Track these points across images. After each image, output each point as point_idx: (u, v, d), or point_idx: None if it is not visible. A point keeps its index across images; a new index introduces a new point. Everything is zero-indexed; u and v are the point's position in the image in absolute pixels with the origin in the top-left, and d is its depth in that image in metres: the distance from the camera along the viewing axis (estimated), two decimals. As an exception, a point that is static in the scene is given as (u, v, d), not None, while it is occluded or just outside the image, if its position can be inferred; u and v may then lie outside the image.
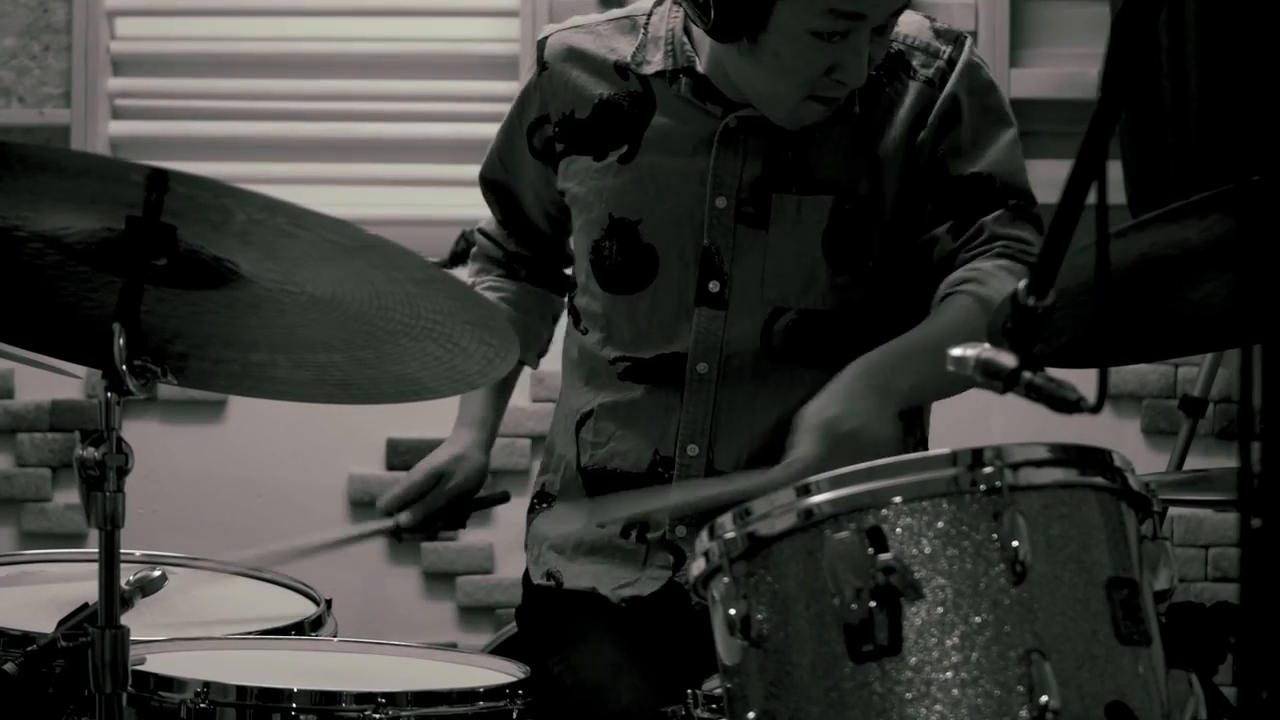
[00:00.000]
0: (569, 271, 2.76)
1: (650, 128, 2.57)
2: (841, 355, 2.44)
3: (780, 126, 2.50)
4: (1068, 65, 4.16)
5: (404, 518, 2.74)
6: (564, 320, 2.76)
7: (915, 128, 2.51)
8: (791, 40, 2.38)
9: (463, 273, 2.87)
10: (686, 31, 2.56)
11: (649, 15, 2.61)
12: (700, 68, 2.54)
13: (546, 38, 2.67)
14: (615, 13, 2.65)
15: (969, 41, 2.55)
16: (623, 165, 2.57)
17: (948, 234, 2.49)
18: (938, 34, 2.54)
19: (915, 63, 2.52)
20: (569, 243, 2.73)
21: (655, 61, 2.57)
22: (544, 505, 2.70)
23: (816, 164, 2.51)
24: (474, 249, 2.87)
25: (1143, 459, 3.98)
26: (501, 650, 2.77)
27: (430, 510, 2.74)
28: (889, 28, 2.42)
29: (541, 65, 2.65)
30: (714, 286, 2.53)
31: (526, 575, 2.71)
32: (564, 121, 2.62)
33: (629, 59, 2.59)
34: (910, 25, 2.54)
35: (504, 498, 2.82)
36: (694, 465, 2.53)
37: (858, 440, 2.30)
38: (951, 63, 2.52)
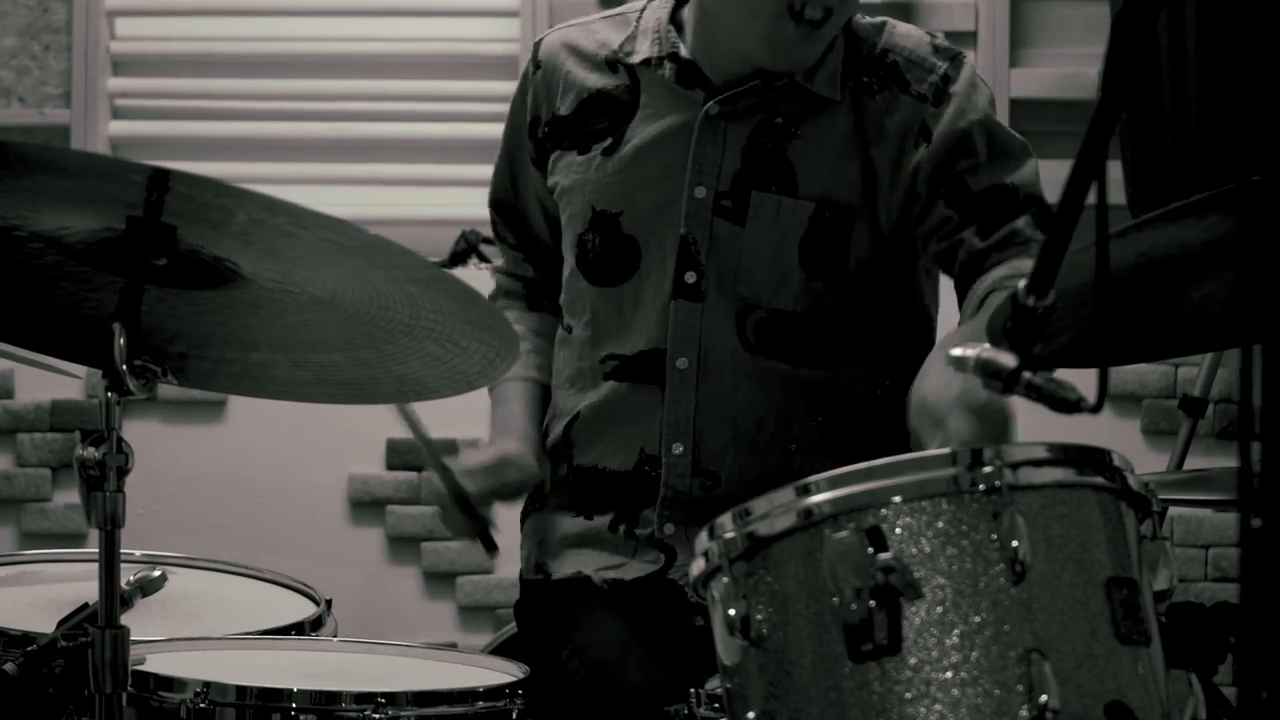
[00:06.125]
0: None
1: (634, 119, 2.59)
2: (816, 353, 2.50)
3: (760, 113, 2.52)
4: (1068, 65, 4.16)
5: (472, 484, 2.58)
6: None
7: (908, 142, 2.52)
8: None
9: (463, 273, 2.86)
10: (673, 21, 2.60)
11: (641, 11, 2.65)
12: (684, 53, 2.57)
13: (542, 39, 2.71)
14: (610, 11, 2.70)
15: (968, 61, 2.56)
16: (605, 158, 2.60)
17: (974, 235, 2.50)
18: (936, 50, 2.56)
19: (910, 77, 2.54)
20: None
21: (642, 50, 2.61)
22: (537, 506, 2.70)
23: (799, 166, 2.52)
24: (492, 290, 2.83)
25: (1143, 459, 3.98)
26: (501, 650, 2.77)
27: (490, 489, 2.60)
28: None
29: (536, 64, 2.68)
30: (690, 278, 2.54)
31: (521, 573, 2.71)
32: (553, 121, 2.65)
33: (615, 50, 2.62)
34: (910, 39, 2.57)
35: (493, 547, 2.71)
36: (680, 464, 2.54)
37: (990, 409, 2.04)
38: (947, 79, 2.53)
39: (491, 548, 2.63)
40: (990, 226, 2.50)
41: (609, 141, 2.60)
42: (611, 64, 2.63)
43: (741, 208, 2.52)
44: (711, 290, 2.53)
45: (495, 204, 2.80)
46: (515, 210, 2.77)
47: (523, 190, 2.74)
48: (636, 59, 2.61)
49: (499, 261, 2.85)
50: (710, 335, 2.53)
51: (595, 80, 2.63)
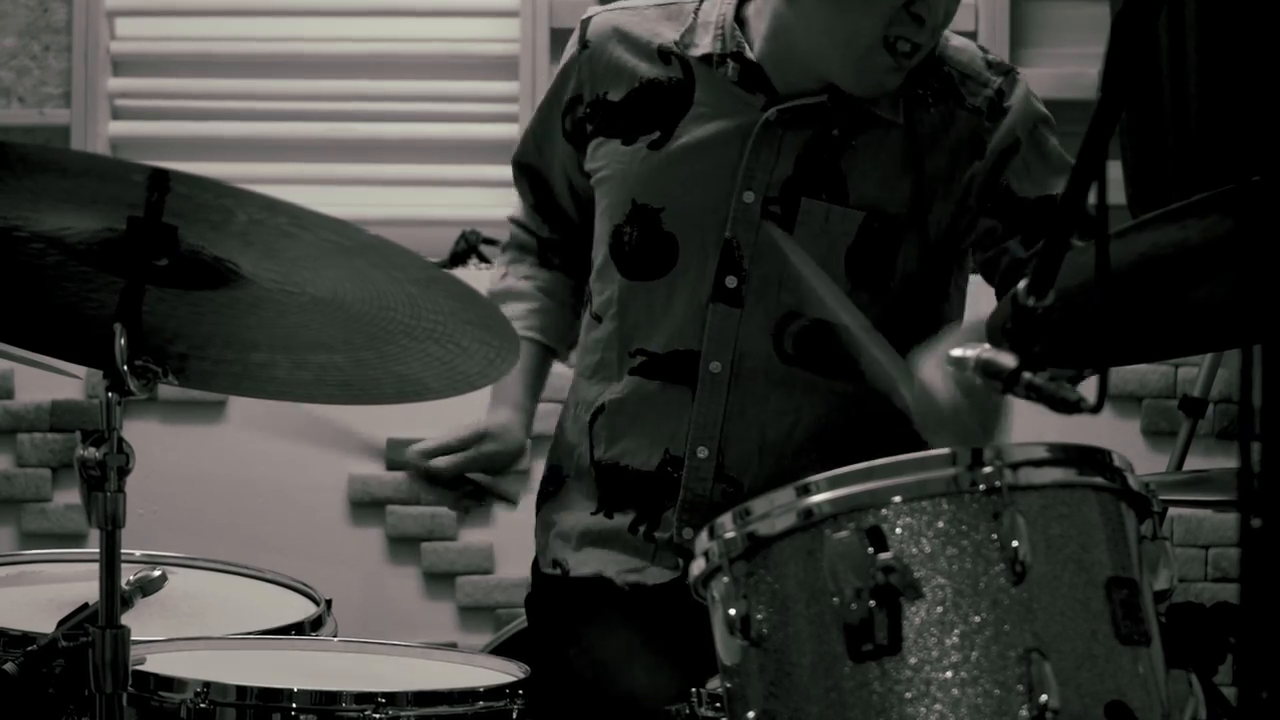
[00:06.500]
0: None
1: (686, 116, 2.56)
2: (852, 365, 2.45)
3: (818, 124, 2.50)
4: (1068, 65, 4.16)
5: (440, 462, 2.63)
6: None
7: (963, 156, 2.51)
8: None
9: (463, 273, 2.86)
10: (739, 20, 2.56)
11: (700, 2, 2.61)
12: (751, 54, 2.53)
13: (590, 17, 2.66)
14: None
15: (1021, 76, 2.56)
16: (652, 151, 2.56)
17: (1019, 244, 2.50)
18: (989, 65, 2.55)
19: (965, 91, 2.52)
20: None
21: (704, 44, 2.57)
22: (553, 488, 2.68)
23: (852, 175, 2.50)
24: (505, 240, 2.83)
25: (1143, 459, 3.98)
26: (501, 650, 2.77)
27: (464, 465, 2.63)
28: None
29: (583, 44, 2.64)
30: (731, 282, 2.52)
31: (535, 564, 2.70)
32: (596, 103, 2.62)
33: (674, 42, 2.58)
34: (963, 53, 2.55)
35: (513, 500, 2.74)
36: (703, 468, 2.52)
37: (960, 420, 2.19)
38: (1001, 93, 2.52)
39: (478, 501, 2.67)
40: (1034, 237, 2.49)
41: (657, 135, 2.56)
42: (664, 55, 2.58)
43: (790, 214, 2.50)
44: (752, 297, 2.51)
45: (519, 164, 2.76)
46: (538, 173, 2.73)
47: (549, 158, 2.70)
48: (697, 53, 2.56)
49: (514, 212, 2.81)
50: (746, 341, 2.51)
51: (646, 70, 2.59)
